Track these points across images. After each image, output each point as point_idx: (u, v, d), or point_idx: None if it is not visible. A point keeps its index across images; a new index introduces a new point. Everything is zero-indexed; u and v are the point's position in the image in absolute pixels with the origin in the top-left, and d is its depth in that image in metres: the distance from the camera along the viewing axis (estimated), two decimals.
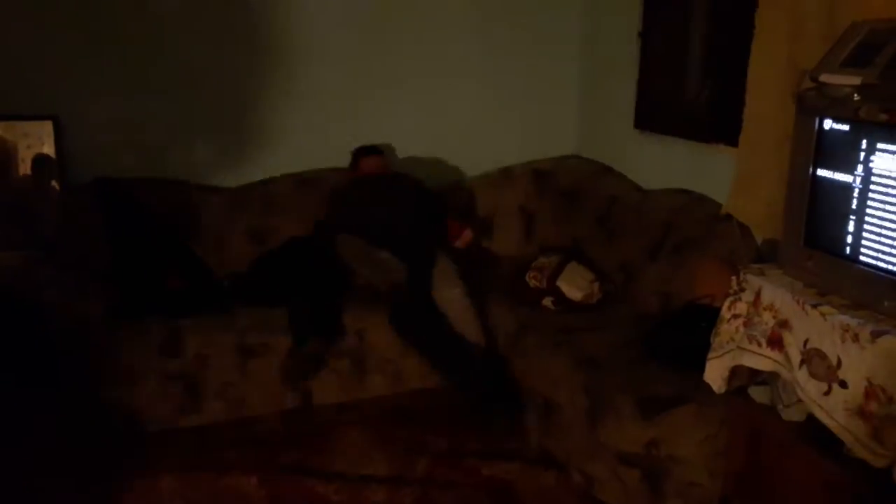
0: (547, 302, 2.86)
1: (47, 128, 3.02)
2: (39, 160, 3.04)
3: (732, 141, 2.50)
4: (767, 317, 1.80)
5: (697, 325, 2.29)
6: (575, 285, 2.84)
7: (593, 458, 2.27)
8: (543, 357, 2.57)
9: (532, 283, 2.94)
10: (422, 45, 3.47)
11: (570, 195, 3.41)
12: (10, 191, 3.03)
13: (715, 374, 1.99)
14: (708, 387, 2.11)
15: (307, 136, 3.38)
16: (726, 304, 1.99)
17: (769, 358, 1.80)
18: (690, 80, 2.92)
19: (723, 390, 1.99)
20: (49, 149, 3.03)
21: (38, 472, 2.37)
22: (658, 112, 3.13)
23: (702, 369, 2.14)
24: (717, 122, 2.72)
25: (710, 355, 2.01)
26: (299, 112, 3.34)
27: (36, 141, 3.03)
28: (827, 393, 1.62)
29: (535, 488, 2.39)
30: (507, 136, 3.68)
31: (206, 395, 2.70)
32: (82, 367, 2.54)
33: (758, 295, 1.85)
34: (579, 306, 2.82)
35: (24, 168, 3.05)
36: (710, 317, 2.25)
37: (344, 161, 3.36)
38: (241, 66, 3.23)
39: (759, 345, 1.83)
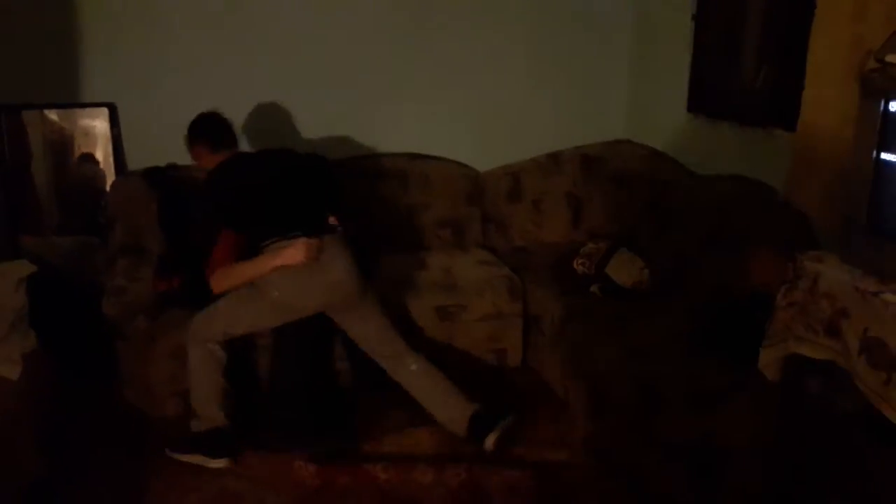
0: (594, 289, 2.84)
1: (103, 115, 3.10)
2: (95, 148, 3.14)
3: (789, 125, 2.43)
4: (825, 305, 1.75)
5: (752, 314, 2.24)
6: (624, 272, 2.80)
7: (642, 449, 2.25)
8: (592, 346, 2.54)
9: (580, 269, 2.91)
10: (471, 29, 3.44)
11: (620, 180, 3.36)
12: (67, 177, 3.13)
13: (769, 362, 1.95)
14: (762, 376, 2.07)
15: (351, 122, 3.40)
16: (781, 291, 1.94)
17: (826, 346, 1.75)
18: (746, 63, 2.84)
19: (777, 379, 1.95)
20: (105, 136, 3.12)
21: (85, 451, 2.47)
22: (712, 96, 3.05)
23: (755, 359, 2.11)
24: (774, 106, 2.64)
25: (764, 343, 1.97)
26: (343, 99, 3.36)
27: (92, 128, 3.12)
28: (887, 382, 1.57)
29: (582, 477, 2.38)
30: (555, 121, 3.63)
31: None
32: (132, 349, 2.61)
33: (815, 282, 1.80)
34: (628, 294, 2.79)
35: (81, 155, 3.15)
36: (764, 305, 2.21)
37: (395, 146, 3.40)
38: (295, 53, 3.26)
39: (816, 333, 1.78)
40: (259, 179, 2.51)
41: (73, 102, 3.07)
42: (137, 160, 3.14)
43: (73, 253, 2.93)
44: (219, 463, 2.38)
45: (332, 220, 2.50)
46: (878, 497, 1.68)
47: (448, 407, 2.53)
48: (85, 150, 3.16)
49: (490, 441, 2.46)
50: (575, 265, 2.94)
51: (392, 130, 3.45)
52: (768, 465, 2.01)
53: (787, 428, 1.97)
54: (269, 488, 2.32)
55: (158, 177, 2.97)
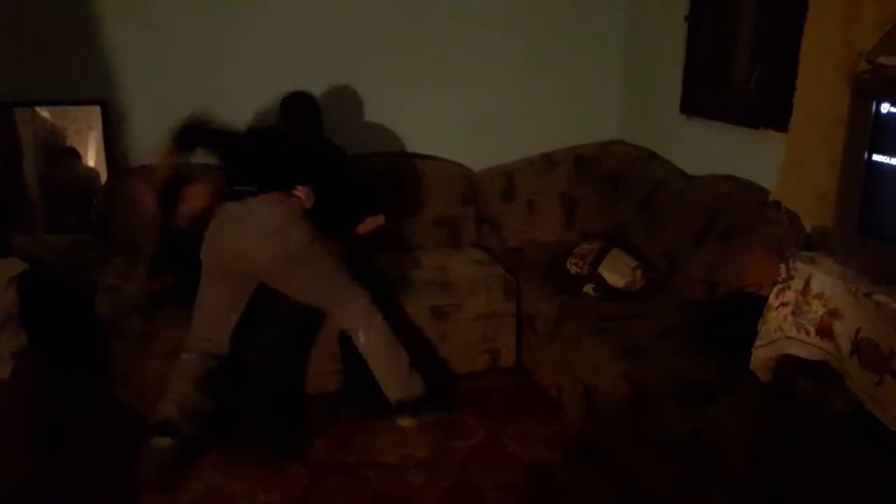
0: (588, 289, 2.84)
1: (95, 113, 3.08)
2: (86, 145, 3.13)
3: (781, 126, 2.44)
4: (817, 305, 1.77)
5: (743, 314, 2.26)
6: (617, 272, 2.81)
7: (635, 447, 2.26)
8: (585, 345, 2.55)
9: (573, 269, 2.92)
10: (465, 29, 3.44)
11: (614, 181, 3.36)
12: (58, 174, 3.12)
13: (761, 363, 1.97)
14: (753, 376, 2.09)
15: (345, 122, 3.38)
16: (774, 292, 1.96)
17: (818, 347, 1.77)
18: (739, 64, 2.86)
19: (769, 380, 1.96)
20: (97, 134, 3.11)
21: (77, 450, 2.46)
22: (705, 97, 3.06)
23: (747, 358, 2.12)
24: (766, 107, 2.66)
25: (756, 344, 1.98)
26: (337, 99, 3.35)
27: (84, 126, 3.11)
28: (879, 383, 1.59)
29: (575, 476, 2.38)
30: (549, 121, 3.63)
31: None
32: (126, 348, 2.60)
33: (807, 283, 1.81)
34: (621, 294, 2.79)
35: (73, 153, 3.13)
36: (756, 305, 2.22)
37: (391, 145, 3.39)
38: (291, 50, 3.25)
39: (808, 334, 1.79)
40: (252, 142, 2.64)
41: (65, 100, 3.05)
42: (129, 158, 3.13)
43: (65, 251, 2.92)
44: (162, 442, 2.31)
45: (303, 191, 2.48)
46: (869, 498, 1.69)
47: (387, 384, 2.56)
48: (74, 147, 3.13)
49: (405, 422, 2.55)
50: (568, 265, 2.94)
51: (387, 130, 3.44)
52: (760, 464, 2.02)
53: (779, 428, 1.98)
54: (260, 488, 2.31)
55: (150, 175, 2.94)
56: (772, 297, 1.95)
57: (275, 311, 2.55)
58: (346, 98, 3.36)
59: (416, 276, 3.04)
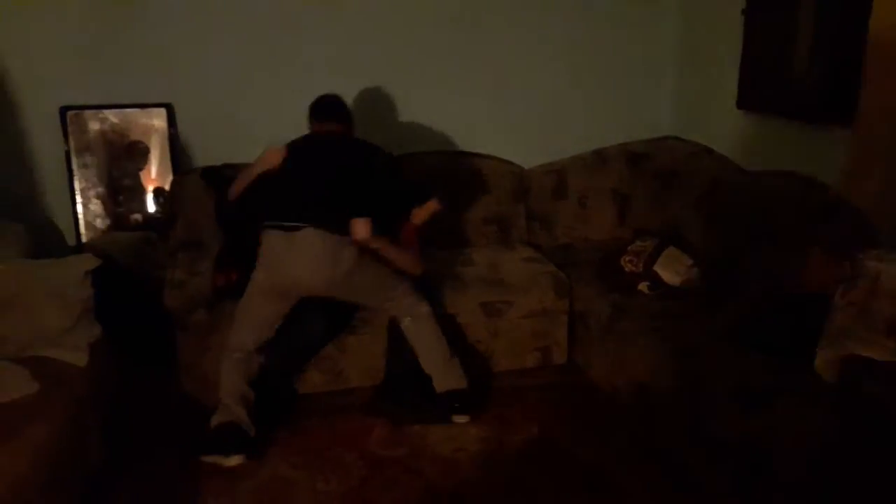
0: (643, 287, 2.83)
1: (161, 115, 3.20)
2: (152, 146, 3.25)
3: (845, 120, 2.39)
4: (887, 304, 1.73)
5: (804, 314, 2.22)
6: (673, 270, 2.79)
7: (690, 447, 2.24)
8: (640, 343, 2.54)
9: (627, 267, 2.90)
10: (515, 26, 3.45)
11: (667, 177, 3.33)
12: (127, 175, 3.24)
13: (826, 364, 1.93)
14: (815, 378, 2.05)
15: (398, 122, 3.45)
16: (839, 291, 1.92)
17: (888, 347, 1.73)
18: (799, 57, 2.79)
19: (834, 381, 1.92)
20: (162, 135, 3.22)
21: (145, 438, 2.56)
22: (763, 91, 3.01)
23: (807, 359, 2.08)
24: (829, 102, 2.60)
25: (821, 344, 1.95)
26: (389, 99, 3.41)
27: (151, 128, 3.22)
28: None
29: (628, 475, 2.37)
30: (601, 117, 3.62)
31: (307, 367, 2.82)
32: (191, 340, 2.69)
33: (876, 281, 1.77)
34: (677, 292, 2.77)
35: (140, 153, 3.25)
36: (817, 305, 2.18)
37: (442, 144, 3.43)
38: (345, 55, 3.32)
39: (878, 333, 1.75)
40: (298, 163, 2.63)
41: (133, 103, 3.17)
42: (194, 159, 3.25)
43: (133, 248, 3.03)
44: (232, 461, 2.39)
45: (359, 227, 2.52)
46: None
47: (432, 369, 2.66)
48: (136, 146, 3.25)
49: (459, 419, 2.64)
50: (622, 263, 2.93)
51: (438, 129, 3.48)
52: (823, 469, 1.98)
53: (845, 431, 1.94)
54: (318, 477, 2.37)
55: (214, 175, 3.05)
56: (837, 296, 1.92)
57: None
58: (397, 99, 3.41)
59: (467, 273, 3.06)
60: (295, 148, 2.69)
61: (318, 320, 2.70)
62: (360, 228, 2.51)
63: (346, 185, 2.58)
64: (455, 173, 3.41)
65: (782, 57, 2.87)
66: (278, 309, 2.58)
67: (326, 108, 2.79)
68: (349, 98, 3.31)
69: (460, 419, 2.64)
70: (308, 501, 2.28)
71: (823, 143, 2.64)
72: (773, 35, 2.93)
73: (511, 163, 3.55)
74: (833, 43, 2.61)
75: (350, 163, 2.66)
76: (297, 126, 3.19)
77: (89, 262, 2.46)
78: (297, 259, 2.47)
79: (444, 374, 2.66)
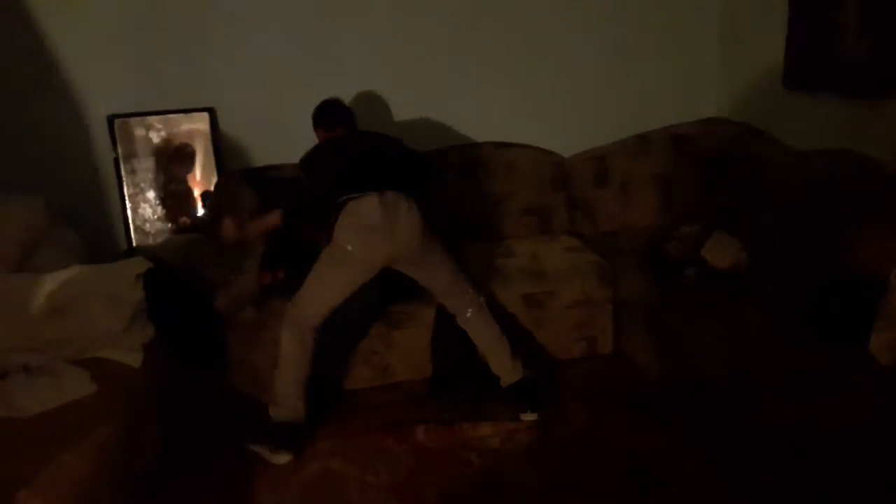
0: (690, 273, 2.77)
1: (204, 119, 3.27)
2: (196, 149, 3.33)
3: None
4: None
5: (859, 296, 2.15)
6: (721, 254, 2.73)
7: (744, 436, 2.19)
8: (689, 330, 2.50)
9: (673, 253, 2.86)
10: (552, 10, 3.41)
11: (713, 160, 3.25)
12: (173, 179, 3.32)
13: (882, 345, 1.87)
14: (871, 362, 1.99)
15: (435, 113, 3.45)
16: (895, 271, 1.86)
17: None
18: (848, 31, 2.69)
19: (890, 363, 1.86)
20: (206, 139, 3.29)
21: (198, 435, 2.63)
22: (810, 69, 2.91)
23: (863, 343, 2.03)
24: (881, 75, 2.51)
25: (876, 325, 1.89)
26: (426, 90, 3.42)
27: (194, 132, 3.30)
28: None
29: (675, 464, 2.34)
30: (642, 101, 3.56)
31: (355, 362, 2.86)
32: (240, 338, 2.75)
33: None
34: (725, 277, 2.71)
35: (186, 157, 3.33)
36: (872, 286, 2.12)
37: (479, 135, 3.44)
38: (379, 52, 3.34)
39: None
40: (343, 153, 2.70)
41: (176, 109, 3.25)
42: (237, 161, 3.31)
43: (182, 249, 3.11)
44: (280, 458, 2.44)
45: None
46: None
47: (497, 360, 2.67)
48: (182, 151, 3.32)
49: (528, 417, 2.61)
50: (668, 249, 2.88)
51: (475, 120, 3.47)
52: (875, 453, 1.93)
53: None
54: (368, 469, 2.41)
55: (257, 177, 3.11)
56: (893, 276, 1.85)
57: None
58: (433, 93, 3.42)
59: (508, 264, 3.05)
60: (334, 148, 2.75)
61: (371, 289, 2.68)
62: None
63: (397, 169, 2.65)
64: (493, 165, 3.40)
65: (830, 31, 2.76)
66: (357, 282, 2.59)
67: (333, 115, 2.85)
68: (386, 96, 3.37)
69: (529, 417, 2.62)
70: (358, 494, 2.32)
71: (876, 119, 2.55)
72: (820, 9, 2.83)
73: (550, 152, 3.51)
74: (885, 12, 2.51)
75: (388, 150, 2.74)
76: None
77: (140, 265, 2.54)
78: (398, 218, 2.51)
79: (511, 367, 2.66)
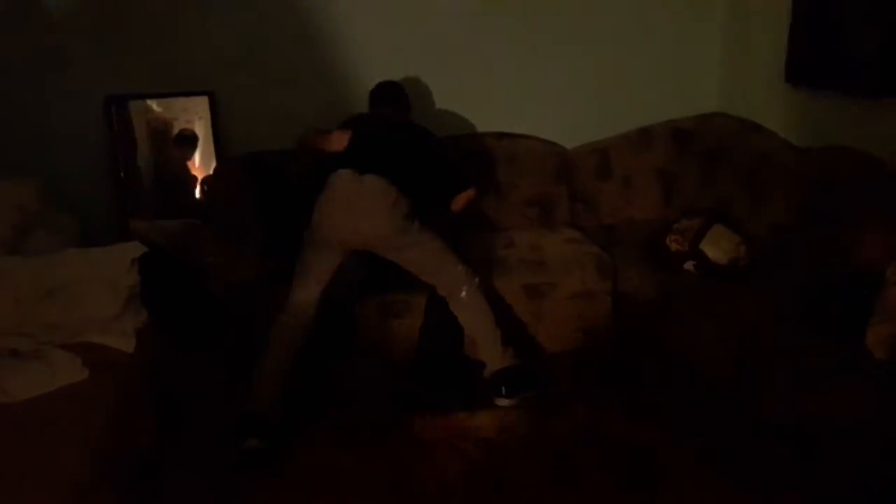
0: (689, 266, 2.76)
1: (203, 103, 3.23)
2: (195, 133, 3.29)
3: None
4: None
5: (858, 292, 2.14)
6: (720, 248, 2.71)
7: (743, 430, 2.18)
8: (688, 324, 2.48)
9: (673, 246, 2.84)
10: (555, 3, 3.39)
11: (715, 155, 3.24)
12: (171, 163, 3.29)
13: (879, 340, 1.86)
14: (869, 357, 1.98)
15: (439, 103, 3.42)
16: (893, 267, 1.84)
17: None
18: (852, 28, 2.66)
19: (887, 357, 1.85)
20: (205, 123, 3.25)
21: (193, 423, 2.60)
22: (813, 64, 2.88)
23: (862, 339, 2.02)
24: (883, 73, 2.48)
25: (872, 320, 1.88)
26: (430, 80, 3.38)
27: (193, 116, 3.26)
28: None
29: (676, 459, 2.33)
30: (645, 94, 3.53)
31: (350, 352, 2.83)
32: (240, 327, 2.73)
33: None
34: (724, 271, 2.69)
35: (185, 141, 3.30)
36: (872, 283, 2.11)
37: (482, 125, 3.43)
38: (387, 38, 3.31)
39: None
40: (354, 130, 2.76)
41: (175, 92, 3.21)
42: (236, 147, 3.26)
43: (178, 235, 3.08)
44: (251, 444, 2.39)
45: None
46: None
47: (486, 346, 2.67)
48: (181, 134, 3.29)
49: (502, 402, 2.61)
50: (668, 242, 2.86)
51: (478, 110, 3.44)
52: (878, 448, 1.92)
53: None
54: (365, 462, 2.39)
55: (256, 163, 3.08)
56: (889, 271, 1.84)
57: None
58: (434, 81, 3.38)
59: (509, 255, 3.03)
60: (354, 122, 2.83)
61: (358, 269, 2.69)
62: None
63: (403, 158, 2.67)
64: (495, 155, 3.38)
65: (833, 27, 2.74)
66: (330, 259, 2.60)
67: (382, 92, 2.97)
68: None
69: (502, 402, 2.62)
70: (354, 484, 2.30)
71: (878, 117, 2.53)
72: (823, 4, 2.80)
73: (553, 143, 3.49)
74: (888, 9, 2.48)
75: (405, 139, 2.77)
76: (337, 112, 3.21)
77: (135, 249, 2.50)
78: (363, 196, 2.55)
79: (500, 354, 2.65)
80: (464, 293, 2.66)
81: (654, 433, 2.45)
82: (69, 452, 1.78)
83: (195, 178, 3.33)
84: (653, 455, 2.35)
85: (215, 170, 3.23)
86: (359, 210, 2.56)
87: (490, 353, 2.67)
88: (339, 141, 2.72)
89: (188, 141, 3.28)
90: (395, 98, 2.96)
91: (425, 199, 2.69)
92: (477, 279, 2.70)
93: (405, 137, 2.79)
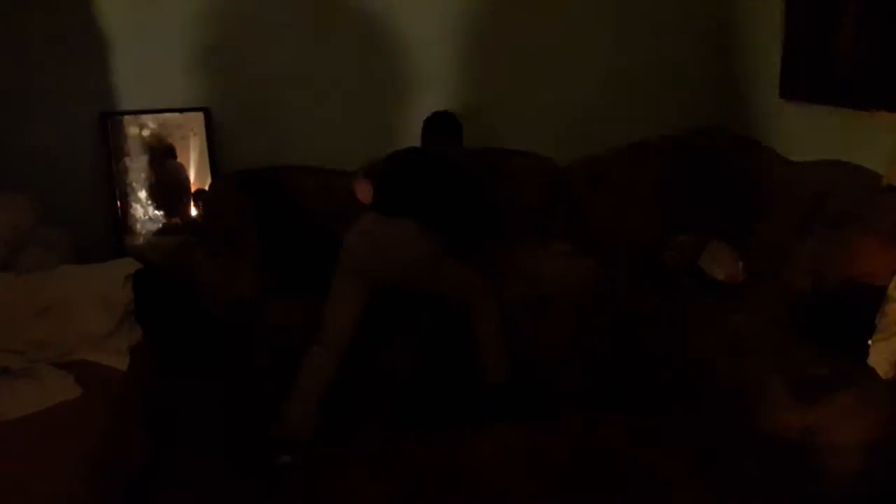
0: (687, 282, 2.76)
1: (199, 119, 3.23)
2: (191, 150, 3.29)
3: (893, 106, 2.29)
4: None
5: (856, 306, 2.14)
6: (718, 264, 2.71)
7: (743, 444, 2.17)
8: (687, 339, 2.48)
9: (670, 262, 2.84)
10: (550, 17, 3.40)
11: (710, 169, 3.24)
12: (166, 179, 3.28)
13: (881, 357, 1.85)
14: (870, 372, 1.97)
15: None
16: (893, 282, 1.84)
17: None
18: (844, 42, 2.68)
19: (889, 375, 1.84)
20: (201, 139, 3.25)
21: (187, 440, 2.58)
22: (806, 79, 2.90)
23: (861, 352, 2.01)
24: (876, 86, 2.50)
25: (874, 337, 1.87)
26: (425, 97, 3.38)
27: (188, 132, 3.26)
28: None
29: (677, 471, 2.32)
30: (639, 109, 3.54)
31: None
32: (236, 343, 2.71)
33: None
34: (722, 286, 2.69)
35: (178, 158, 3.29)
36: (869, 296, 2.11)
37: (472, 142, 3.37)
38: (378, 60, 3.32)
39: None
40: (395, 166, 2.89)
41: (170, 108, 3.21)
42: (231, 162, 3.26)
43: (173, 251, 3.07)
44: (282, 460, 2.44)
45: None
46: None
47: (496, 359, 2.71)
48: (167, 148, 3.28)
49: (486, 419, 2.64)
50: (665, 258, 2.86)
51: (471, 126, 3.43)
52: (876, 464, 1.91)
53: None
54: (366, 478, 2.37)
55: (251, 179, 3.07)
56: (891, 287, 1.84)
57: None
58: (428, 96, 3.37)
59: (504, 270, 3.01)
60: (394, 159, 2.93)
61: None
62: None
63: (432, 200, 2.75)
64: (489, 170, 3.36)
65: (826, 41, 2.76)
66: (360, 297, 2.63)
67: (435, 124, 3.00)
68: (381, 99, 3.34)
69: (490, 417, 2.64)
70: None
71: (871, 130, 2.54)
72: (816, 19, 2.82)
73: (547, 158, 3.48)
74: (881, 23, 2.50)
75: (439, 179, 2.82)
76: (332, 128, 3.22)
77: (130, 265, 2.49)
78: (392, 235, 2.64)
79: (503, 367, 2.70)
80: (487, 306, 2.72)
81: (652, 448, 2.43)
82: (61, 470, 1.76)
83: (189, 193, 3.32)
84: (652, 470, 2.34)
85: (210, 186, 3.22)
86: (385, 248, 2.64)
87: (495, 366, 2.70)
88: (363, 194, 2.86)
89: (176, 159, 3.28)
90: (446, 131, 2.99)
91: (452, 237, 2.76)
92: (495, 297, 2.76)
93: (440, 177, 2.83)
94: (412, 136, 3.05)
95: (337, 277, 2.66)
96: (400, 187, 2.81)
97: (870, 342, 1.94)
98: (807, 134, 2.95)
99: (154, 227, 3.28)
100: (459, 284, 2.75)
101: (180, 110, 3.22)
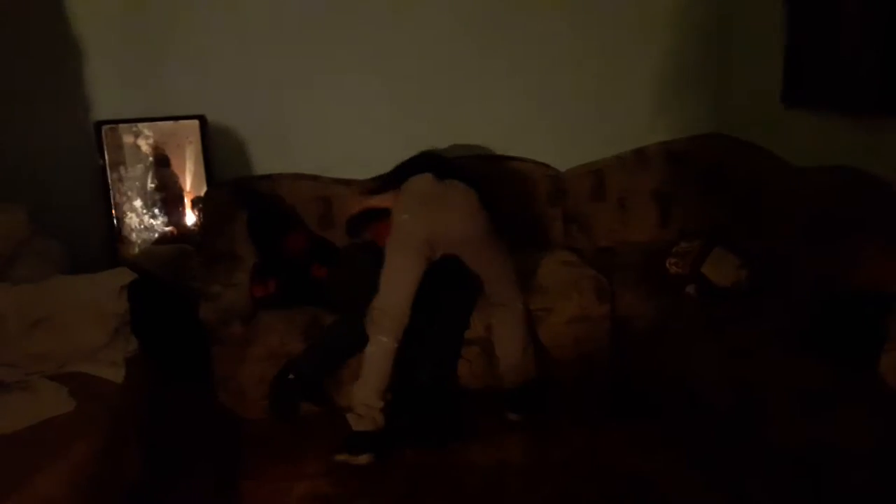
0: (690, 290, 2.72)
1: (194, 127, 3.20)
2: (186, 158, 3.25)
3: None
4: None
5: (864, 314, 2.11)
6: (722, 272, 2.68)
7: (745, 456, 2.14)
8: (689, 348, 2.44)
9: (672, 269, 2.80)
10: (549, 25, 3.38)
11: (712, 176, 3.22)
12: (162, 188, 3.25)
13: (891, 367, 1.82)
14: (878, 382, 1.94)
15: (431, 126, 3.39)
16: None
17: None
18: (848, 48, 2.66)
19: None
20: (196, 148, 3.22)
21: (183, 452, 2.54)
22: (809, 85, 2.88)
23: (869, 362, 1.98)
24: (881, 92, 2.48)
25: (886, 347, 1.84)
26: (423, 103, 3.37)
27: (184, 140, 3.23)
28: None
29: (678, 486, 2.28)
30: (640, 115, 3.52)
31: (344, 380, 2.75)
32: (227, 353, 2.67)
33: None
34: (726, 294, 2.66)
35: (174, 165, 3.26)
36: (877, 304, 2.08)
37: (473, 149, 3.39)
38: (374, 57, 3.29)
39: None
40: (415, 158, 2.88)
41: (166, 116, 3.18)
42: (227, 171, 3.24)
43: (168, 260, 3.03)
44: (361, 459, 2.42)
45: None
46: None
47: (524, 359, 2.73)
48: (162, 157, 3.25)
49: (512, 417, 2.67)
50: (667, 265, 2.83)
51: (472, 132, 3.42)
52: (884, 476, 1.87)
53: None
54: (358, 492, 2.33)
55: (246, 187, 3.05)
56: None
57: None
58: (429, 104, 3.37)
59: None
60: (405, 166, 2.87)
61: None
62: None
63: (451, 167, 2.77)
64: (490, 178, 3.33)
65: (830, 47, 2.74)
66: (421, 258, 2.56)
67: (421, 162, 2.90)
68: (383, 108, 3.33)
69: (513, 417, 2.66)
70: None
71: (877, 136, 2.52)
72: (819, 24, 2.80)
73: (547, 165, 3.47)
74: (885, 29, 2.48)
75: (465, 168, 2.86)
76: (329, 136, 3.19)
77: (125, 276, 2.45)
78: (450, 196, 2.61)
79: (531, 366, 2.73)
80: (521, 306, 2.75)
81: (654, 460, 2.40)
82: (56, 483, 1.73)
83: (183, 201, 3.28)
84: (654, 483, 2.30)
85: (206, 194, 3.19)
86: (448, 209, 2.59)
87: (524, 366, 2.72)
88: (382, 200, 2.76)
89: (174, 165, 3.25)
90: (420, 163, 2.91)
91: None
92: (523, 298, 2.79)
93: (464, 168, 2.84)
94: (410, 145, 3.02)
95: (396, 250, 2.56)
96: (434, 162, 2.77)
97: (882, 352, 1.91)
98: (810, 140, 2.93)
99: (149, 236, 3.24)
100: (503, 269, 2.73)
101: (175, 118, 3.19)
